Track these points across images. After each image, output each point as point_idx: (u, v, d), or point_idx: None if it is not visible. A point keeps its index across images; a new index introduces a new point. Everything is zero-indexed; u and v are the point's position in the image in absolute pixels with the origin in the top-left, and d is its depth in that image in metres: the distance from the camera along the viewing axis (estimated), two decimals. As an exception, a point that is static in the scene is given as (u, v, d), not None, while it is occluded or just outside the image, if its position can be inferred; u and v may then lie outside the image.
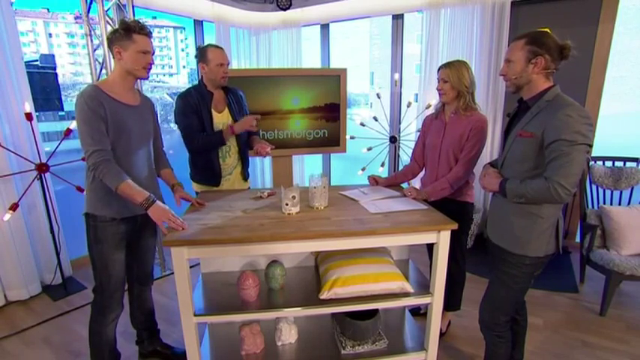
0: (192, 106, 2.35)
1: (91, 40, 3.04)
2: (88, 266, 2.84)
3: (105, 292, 1.89)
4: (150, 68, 1.83)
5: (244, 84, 3.14)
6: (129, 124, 1.80)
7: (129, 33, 1.73)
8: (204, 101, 2.38)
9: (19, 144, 2.85)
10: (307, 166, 4.90)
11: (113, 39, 1.75)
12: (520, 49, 1.55)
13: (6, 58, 2.74)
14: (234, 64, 4.56)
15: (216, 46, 2.36)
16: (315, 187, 1.93)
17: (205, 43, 2.40)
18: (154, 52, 1.86)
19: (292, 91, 3.46)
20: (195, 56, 2.40)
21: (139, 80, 2.09)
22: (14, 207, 2.77)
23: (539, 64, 1.53)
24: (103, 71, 3.07)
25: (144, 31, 1.76)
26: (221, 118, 2.43)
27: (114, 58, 1.78)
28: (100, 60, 3.07)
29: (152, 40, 1.83)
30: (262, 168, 4.82)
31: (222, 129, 2.39)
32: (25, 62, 2.92)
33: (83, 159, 1.88)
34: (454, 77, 2.08)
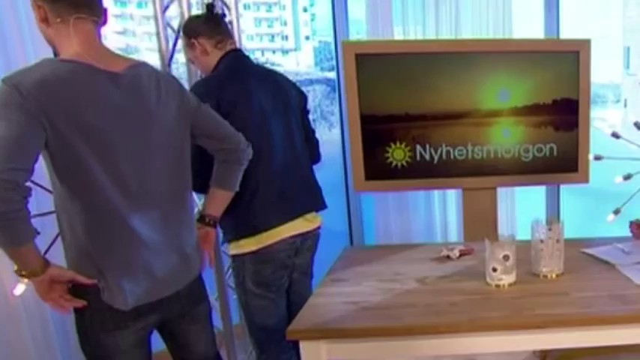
0: None
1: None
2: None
3: None
4: None
5: (411, 65, 3.27)
6: None
7: None
8: None
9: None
10: (520, 205, 4.86)
11: None
12: None
13: (20, 25, 2.61)
14: (397, 33, 4.61)
15: None
16: (542, 241, 2.04)
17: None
18: None
19: (497, 79, 3.45)
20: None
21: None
22: None
23: None
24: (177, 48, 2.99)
25: None
26: None
27: None
28: (176, 26, 2.95)
29: None
30: (444, 207, 4.80)
31: None
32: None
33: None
34: None
